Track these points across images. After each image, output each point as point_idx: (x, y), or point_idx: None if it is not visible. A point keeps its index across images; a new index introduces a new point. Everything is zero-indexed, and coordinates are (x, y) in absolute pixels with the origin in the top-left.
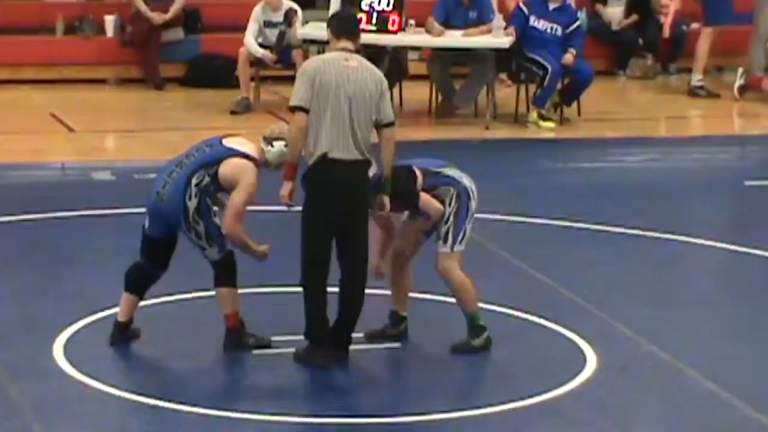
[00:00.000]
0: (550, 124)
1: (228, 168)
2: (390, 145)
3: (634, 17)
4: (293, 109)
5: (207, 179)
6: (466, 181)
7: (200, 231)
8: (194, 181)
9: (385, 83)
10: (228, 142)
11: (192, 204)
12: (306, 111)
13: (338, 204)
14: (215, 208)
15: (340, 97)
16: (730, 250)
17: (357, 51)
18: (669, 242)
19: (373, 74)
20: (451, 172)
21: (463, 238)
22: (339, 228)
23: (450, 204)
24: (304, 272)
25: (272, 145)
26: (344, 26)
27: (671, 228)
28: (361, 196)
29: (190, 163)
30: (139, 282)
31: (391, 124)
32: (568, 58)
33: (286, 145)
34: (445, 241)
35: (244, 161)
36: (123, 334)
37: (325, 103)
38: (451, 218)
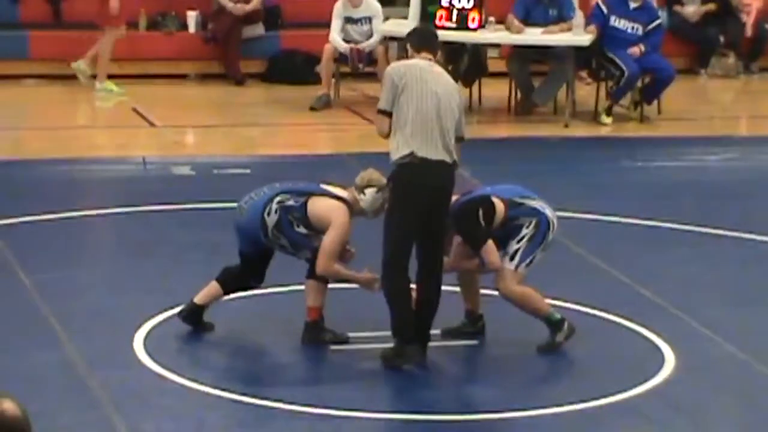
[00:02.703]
0: (608, 120)
1: (319, 206)
2: (457, 160)
3: (710, 6)
4: (380, 112)
5: (292, 203)
6: (549, 212)
7: (284, 244)
8: (277, 199)
9: (463, 98)
10: (324, 185)
11: (270, 220)
12: (388, 114)
13: (423, 203)
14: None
15: (427, 97)
16: None
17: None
18: (749, 242)
19: (455, 86)
20: (536, 204)
21: (530, 263)
22: (421, 227)
23: (528, 227)
24: (385, 272)
25: (364, 194)
26: (424, 40)
27: (751, 228)
28: (446, 197)
29: (280, 187)
30: (229, 282)
31: (463, 139)
32: (635, 50)
33: (377, 191)
34: (512, 258)
35: (336, 202)
36: (192, 315)
37: (411, 102)
38: (525, 240)
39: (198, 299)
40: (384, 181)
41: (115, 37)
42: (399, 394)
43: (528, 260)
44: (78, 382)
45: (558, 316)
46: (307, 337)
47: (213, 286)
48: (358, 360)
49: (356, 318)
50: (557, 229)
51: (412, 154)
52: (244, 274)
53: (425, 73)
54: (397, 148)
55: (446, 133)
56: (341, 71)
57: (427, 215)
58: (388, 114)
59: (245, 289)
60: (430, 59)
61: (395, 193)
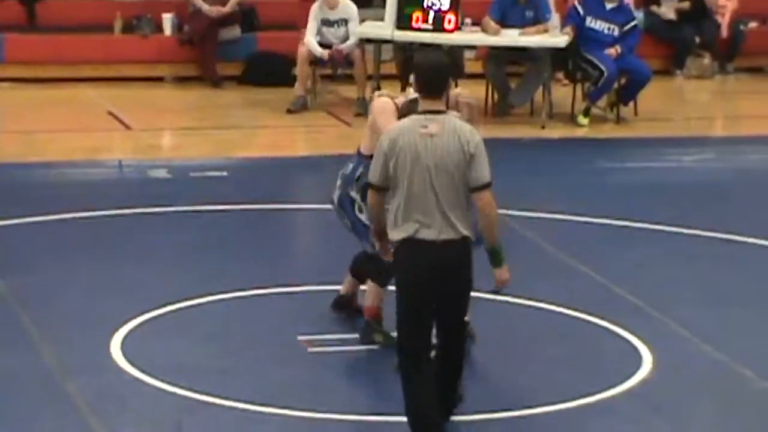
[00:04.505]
0: (585, 121)
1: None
2: (487, 212)
3: (685, 4)
4: (369, 186)
5: (359, 170)
6: None
7: (347, 224)
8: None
9: (476, 141)
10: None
11: (336, 194)
12: (382, 189)
13: (427, 291)
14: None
15: (420, 173)
16: None
17: (445, 108)
18: (725, 242)
19: (459, 137)
20: None
21: None
22: (435, 312)
23: None
24: (399, 360)
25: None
26: (427, 84)
27: (728, 228)
28: (456, 278)
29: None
30: (359, 271)
31: (483, 187)
32: (612, 52)
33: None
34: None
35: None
36: (340, 304)
37: (404, 179)
38: None
39: (341, 290)
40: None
41: None
42: (379, 395)
43: None
44: (55, 387)
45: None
46: (361, 334)
47: (347, 276)
48: (338, 362)
49: (333, 318)
50: None
51: (409, 238)
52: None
53: (417, 140)
54: (394, 226)
55: (450, 207)
56: (318, 74)
57: (436, 301)
58: (376, 188)
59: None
60: (433, 111)
61: (396, 278)
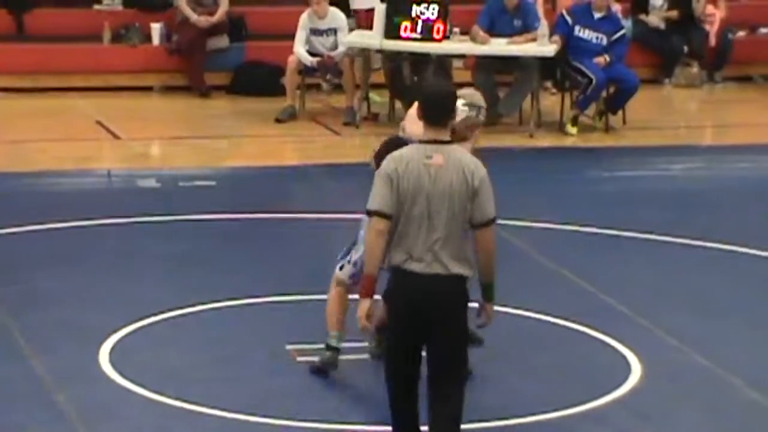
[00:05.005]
0: (573, 130)
1: None
2: (488, 249)
3: (673, 13)
4: (371, 213)
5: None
6: None
7: None
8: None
9: (481, 175)
10: None
11: None
12: (387, 217)
13: (414, 324)
14: None
15: (419, 204)
16: None
17: (450, 139)
18: (714, 251)
19: (464, 169)
20: None
21: None
22: (422, 352)
23: None
24: (389, 402)
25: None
26: (432, 113)
27: (716, 236)
28: (445, 321)
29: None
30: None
31: (486, 224)
32: (601, 60)
33: (469, 108)
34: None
35: None
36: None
37: (403, 210)
38: None
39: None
40: (480, 103)
41: None
42: (367, 404)
43: None
44: (44, 396)
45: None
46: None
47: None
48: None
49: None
50: None
51: (398, 268)
52: None
53: (420, 171)
54: (388, 259)
55: (446, 242)
56: (306, 83)
57: (425, 339)
58: (381, 215)
59: None
60: (438, 141)
61: (387, 311)
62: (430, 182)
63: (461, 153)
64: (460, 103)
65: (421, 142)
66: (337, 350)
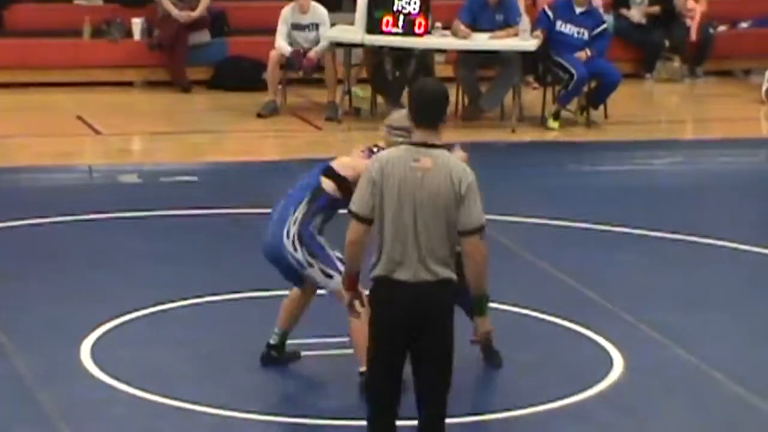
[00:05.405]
0: (555, 125)
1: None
2: (475, 258)
3: (655, 8)
4: (350, 213)
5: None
6: None
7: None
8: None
9: (468, 181)
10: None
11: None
12: (362, 219)
13: (400, 336)
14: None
15: (404, 208)
16: (756, 253)
17: (438, 143)
18: (695, 245)
19: (452, 174)
20: None
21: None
22: (408, 359)
23: None
24: (368, 411)
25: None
26: (423, 113)
27: (698, 231)
28: (433, 327)
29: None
30: None
31: (473, 232)
32: (582, 55)
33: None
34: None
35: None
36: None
37: (388, 213)
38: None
39: None
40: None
41: None
42: (349, 400)
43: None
44: (26, 395)
45: None
46: None
47: None
48: (309, 366)
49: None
50: None
51: (384, 277)
52: None
53: (407, 174)
54: (373, 263)
55: (432, 247)
56: (288, 78)
57: (409, 346)
58: (360, 219)
59: None
60: (427, 144)
61: (371, 317)
62: (417, 186)
63: (450, 157)
64: (388, 128)
65: (410, 143)
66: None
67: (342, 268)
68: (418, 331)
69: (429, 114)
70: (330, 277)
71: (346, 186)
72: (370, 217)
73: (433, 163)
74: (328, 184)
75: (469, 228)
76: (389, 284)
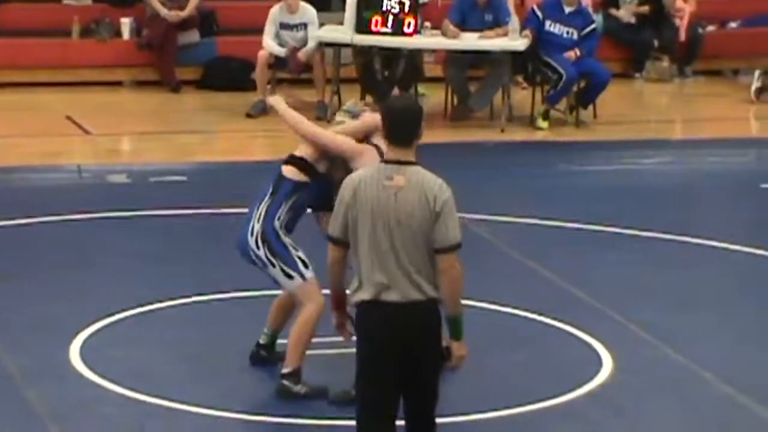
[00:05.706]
0: (544, 125)
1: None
2: (451, 276)
3: (644, 7)
4: (329, 240)
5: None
6: None
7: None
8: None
9: (444, 198)
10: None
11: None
12: (341, 243)
13: (391, 361)
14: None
15: (378, 229)
16: (746, 253)
17: (414, 160)
18: (685, 245)
19: (426, 192)
20: None
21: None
22: (396, 384)
23: None
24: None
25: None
26: (396, 131)
27: (687, 231)
28: (423, 347)
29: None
30: None
31: (448, 250)
32: (571, 55)
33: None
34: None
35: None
36: None
37: (363, 235)
38: None
39: None
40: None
41: None
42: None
43: None
44: (15, 394)
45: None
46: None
47: None
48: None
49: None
50: None
51: (368, 301)
52: None
53: (383, 195)
54: (355, 287)
55: (413, 266)
56: (277, 77)
57: (398, 369)
58: (335, 241)
59: None
60: (401, 161)
61: (358, 344)
62: (390, 206)
63: (425, 174)
64: (340, 114)
65: (384, 161)
66: None
67: (303, 270)
68: (408, 356)
69: (402, 132)
70: (290, 277)
71: (308, 166)
72: (344, 239)
73: (407, 180)
74: (288, 170)
75: (445, 245)
76: (379, 306)
